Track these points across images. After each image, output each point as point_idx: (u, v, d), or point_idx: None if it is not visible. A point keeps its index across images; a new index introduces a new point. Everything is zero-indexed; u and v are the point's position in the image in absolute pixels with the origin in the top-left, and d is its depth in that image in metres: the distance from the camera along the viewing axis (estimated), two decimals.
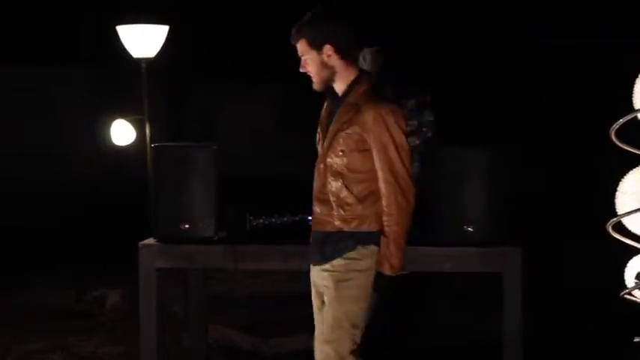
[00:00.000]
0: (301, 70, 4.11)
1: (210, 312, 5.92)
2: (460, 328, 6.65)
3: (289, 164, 14.73)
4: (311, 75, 4.10)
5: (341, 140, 4.03)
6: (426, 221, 4.70)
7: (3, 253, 9.55)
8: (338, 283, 4.07)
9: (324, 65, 4.05)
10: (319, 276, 4.19)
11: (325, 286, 4.13)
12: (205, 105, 15.07)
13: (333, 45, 4.02)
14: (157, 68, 6.62)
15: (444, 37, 13.70)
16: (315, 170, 4.20)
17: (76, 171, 14.34)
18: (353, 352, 4.10)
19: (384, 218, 4.05)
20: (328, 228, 4.09)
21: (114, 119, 6.58)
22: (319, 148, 4.21)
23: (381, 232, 4.05)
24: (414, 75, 6.09)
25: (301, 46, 4.07)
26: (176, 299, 6.63)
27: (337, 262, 4.06)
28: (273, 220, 4.96)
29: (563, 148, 12.58)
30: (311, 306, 4.31)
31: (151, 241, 4.87)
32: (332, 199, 4.07)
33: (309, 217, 4.75)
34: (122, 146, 6.70)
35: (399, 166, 4.02)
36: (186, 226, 4.78)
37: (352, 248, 4.04)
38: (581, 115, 12.26)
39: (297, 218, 4.90)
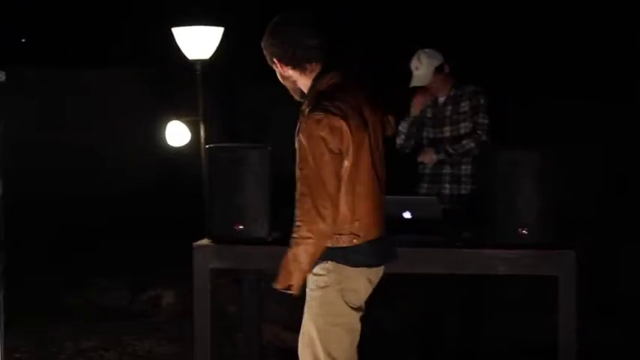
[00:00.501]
0: None
1: (263, 312, 5.93)
2: (512, 332, 6.60)
3: None
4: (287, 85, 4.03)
5: (296, 152, 3.87)
6: (480, 223, 4.67)
7: (62, 254, 9.65)
8: (307, 300, 3.95)
9: (283, 77, 3.99)
10: None
11: None
12: (259, 105, 15.11)
13: (278, 59, 3.93)
14: (211, 69, 6.65)
15: (494, 36, 13.61)
16: None
17: (132, 172, 14.47)
18: None
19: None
20: None
21: (169, 120, 6.63)
22: None
23: (343, 248, 3.81)
24: (466, 77, 6.06)
25: (266, 56, 4.00)
26: (230, 299, 6.66)
27: (309, 277, 3.90)
28: None
29: (619, 151, 12.44)
30: (365, 308, 4.25)
31: (205, 241, 4.88)
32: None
33: None
34: (177, 147, 6.74)
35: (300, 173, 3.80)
36: (240, 226, 4.78)
37: (317, 264, 3.84)
38: (638, 117, 12.13)
39: None
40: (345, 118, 3.73)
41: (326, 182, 3.70)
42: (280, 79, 4.01)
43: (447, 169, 5.95)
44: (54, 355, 6.32)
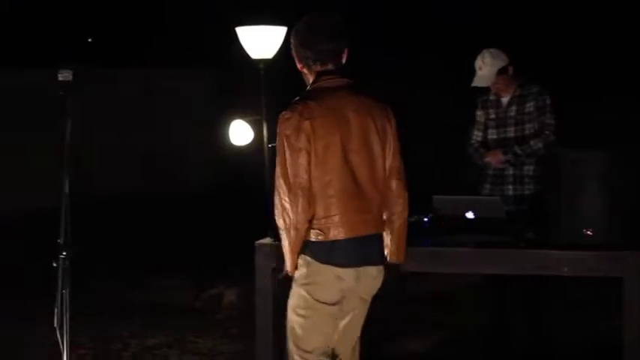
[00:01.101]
0: None
1: None
2: (577, 333, 6.53)
3: (405, 165, 14.72)
4: None
5: None
6: (543, 224, 4.63)
7: (127, 252, 9.76)
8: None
9: (302, 73, 4.26)
10: None
11: None
12: None
13: (296, 57, 4.22)
14: (274, 69, 6.66)
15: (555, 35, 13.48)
16: None
17: (195, 171, 14.59)
18: None
19: None
20: None
21: (232, 119, 6.66)
22: None
23: (315, 242, 3.93)
24: (533, 77, 6.02)
25: None
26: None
27: None
28: None
29: None
30: (428, 308, 4.27)
31: (267, 240, 4.90)
32: None
33: (426, 218, 4.73)
34: (240, 146, 6.77)
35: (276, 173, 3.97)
36: None
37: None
38: None
39: (412, 219, 4.88)
40: (311, 119, 3.91)
41: (290, 177, 3.88)
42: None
43: (509, 170, 5.92)
44: (118, 351, 6.40)
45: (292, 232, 3.91)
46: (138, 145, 14.52)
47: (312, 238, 3.93)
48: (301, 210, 3.89)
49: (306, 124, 3.90)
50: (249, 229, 5.31)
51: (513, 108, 5.96)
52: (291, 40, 4.19)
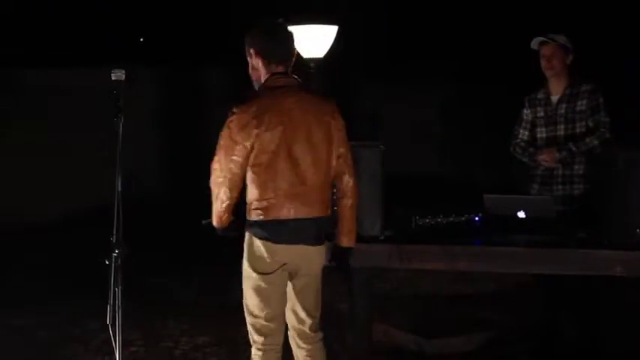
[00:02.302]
0: None
1: (374, 311, 5.93)
2: (629, 335, 6.47)
3: (454, 164, 14.66)
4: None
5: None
6: (595, 224, 4.59)
7: (178, 250, 9.82)
8: None
9: (252, 68, 4.54)
10: None
11: None
12: (372, 103, 15.12)
13: (257, 51, 4.49)
14: (325, 68, 6.68)
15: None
16: None
17: None
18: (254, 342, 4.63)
19: None
20: None
21: None
22: None
23: (255, 222, 4.38)
24: (586, 75, 5.98)
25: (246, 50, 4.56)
26: (341, 297, 6.67)
27: None
28: (439, 219, 4.93)
29: None
30: (477, 307, 4.28)
31: None
32: None
33: (476, 217, 4.71)
34: None
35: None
36: None
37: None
38: None
39: (462, 218, 4.87)
40: (259, 116, 4.30)
41: (220, 164, 4.38)
42: (250, 69, 4.51)
43: (559, 170, 5.88)
44: (169, 349, 6.44)
45: (217, 205, 4.44)
46: (187, 144, 14.60)
47: (254, 217, 4.38)
48: (223, 193, 4.39)
49: (253, 121, 4.29)
50: None
51: (563, 106, 5.92)
52: (257, 41, 4.49)
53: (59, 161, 12.22)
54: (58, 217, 11.56)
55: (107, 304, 4.05)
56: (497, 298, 7.41)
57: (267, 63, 4.45)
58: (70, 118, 12.35)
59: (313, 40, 6.43)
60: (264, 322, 4.53)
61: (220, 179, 4.38)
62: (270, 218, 4.36)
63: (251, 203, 4.40)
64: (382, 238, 4.80)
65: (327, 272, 4.83)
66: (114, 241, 4.09)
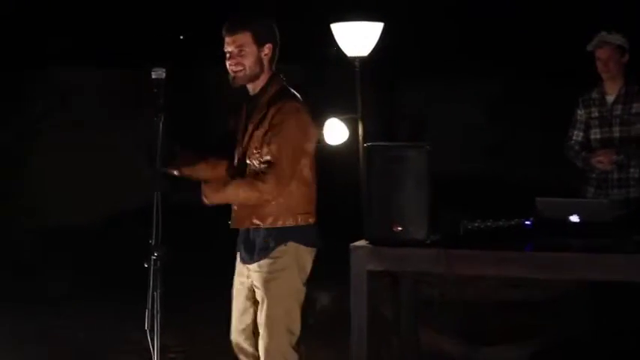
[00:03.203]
0: (231, 62, 4.29)
1: (421, 316, 5.89)
2: None
3: (504, 165, 14.55)
4: (239, 69, 4.29)
5: (255, 139, 4.30)
6: None
7: (217, 253, 9.82)
8: (266, 283, 4.39)
9: (259, 62, 4.33)
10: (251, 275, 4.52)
11: (255, 286, 4.44)
12: (417, 103, 15.06)
13: (273, 45, 4.36)
14: (370, 66, 6.64)
15: None
16: (232, 170, 4.43)
17: None
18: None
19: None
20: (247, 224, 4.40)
21: (327, 118, 6.65)
22: (237, 150, 4.44)
23: (301, 227, 4.39)
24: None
25: (243, 39, 4.29)
26: (386, 302, 6.63)
27: (264, 262, 4.39)
28: (488, 223, 4.87)
29: None
30: (526, 315, 4.22)
31: (362, 242, 4.87)
32: None
33: (528, 221, 4.65)
34: (335, 146, 6.76)
35: (277, 156, 4.24)
36: (399, 228, 4.74)
37: (274, 247, 4.35)
38: None
39: (513, 222, 4.80)
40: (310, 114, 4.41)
41: (288, 162, 4.36)
42: (244, 59, 4.30)
43: (614, 174, 5.82)
44: (209, 355, 6.43)
45: (251, 195, 4.29)
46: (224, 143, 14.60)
47: (301, 222, 4.48)
48: (273, 193, 4.33)
49: (312, 120, 4.47)
50: (343, 231, 5.29)
51: (619, 107, 5.86)
52: (274, 36, 4.40)
53: (100, 161, 12.29)
54: (100, 218, 11.62)
55: (146, 308, 4.04)
56: (547, 305, 7.34)
57: (273, 61, 4.41)
58: (107, 117, 12.43)
59: (358, 37, 6.39)
60: (298, 339, 4.48)
61: (285, 180, 4.29)
62: (315, 221, 4.42)
63: (298, 206, 4.38)
64: (428, 242, 4.75)
65: (372, 277, 4.80)
66: (153, 243, 4.08)
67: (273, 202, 4.31)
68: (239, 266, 4.62)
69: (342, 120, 6.58)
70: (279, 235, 4.37)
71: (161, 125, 4.09)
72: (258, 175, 4.26)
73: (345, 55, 6.66)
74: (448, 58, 14.61)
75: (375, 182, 4.83)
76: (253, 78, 4.35)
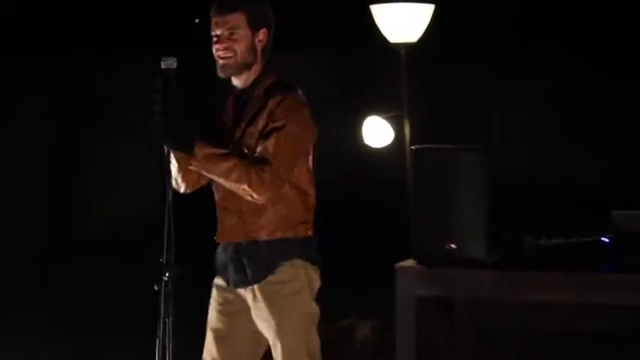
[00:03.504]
0: (220, 46, 4.24)
1: (479, 347, 5.89)
2: None
3: (576, 174, 14.50)
4: (229, 55, 4.25)
5: (247, 137, 4.28)
6: None
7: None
8: (279, 311, 4.37)
9: (252, 48, 4.29)
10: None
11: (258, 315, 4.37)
12: (474, 99, 15.03)
13: (268, 30, 4.36)
14: (418, 55, 6.64)
15: None
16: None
17: (320, 178, 14.64)
18: None
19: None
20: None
21: (366, 116, 6.66)
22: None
23: (306, 241, 4.41)
24: None
25: (236, 20, 4.25)
26: (438, 333, 6.64)
27: (268, 283, 4.32)
28: (558, 240, 4.88)
29: None
30: (606, 348, 4.21)
31: (410, 263, 4.89)
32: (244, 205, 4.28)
33: (605, 238, 4.65)
34: (376, 148, 6.77)
35: (274, 154, 4.20)
36: (453, 246, 4.76)
37: (277, 263, 4.31)
38: None
39: (588, 239, 4.80)
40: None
41: (287, 165, 4.36)
42: (236, 43, 4.27)
43: None
44: None
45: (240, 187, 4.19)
46: None
47: (301, 234, 4.46)
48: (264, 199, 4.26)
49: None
50: (386, 249, 5.30)
51: None
52: (271, 20, 4.41)
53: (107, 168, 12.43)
54: (105, 232, 11.72)
55: (156, 337, 4.06)
56: (633, 336, 7.31)
57: (267, 49, 4.40)
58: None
59: (404, 21, 6.39)
60: None
61: (279, 181, 4.26)
62: (313, 234, 4.47)
63: (297, 214, 4.39)
64: (488, 262, 4.76)
65: (421, 304, 4.81)
66: (163, 262, 4.07)
67: (269, 210, 4.28)
68: (223, 293, 4.46)
69: (385, 118, 6.60)
70: (281, 249, 4.34)
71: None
72: (259, 162, 4.21)
73: (387, 42, 6.66)
74: (508, 46, 14.58)
75: (425, 191, 4.85)
76: (244, 67, 4.31)
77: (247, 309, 4.39)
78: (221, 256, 4.42)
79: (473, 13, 14.06)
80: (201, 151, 4.14)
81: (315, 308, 4.47)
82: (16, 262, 10.43)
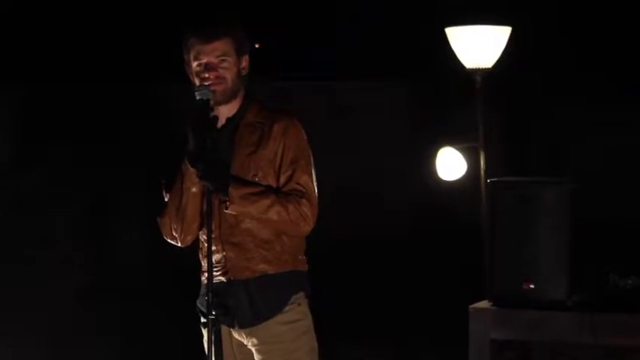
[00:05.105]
0: (211, 75, 4.19)
1: None
2: None
3: None
4: (220, 84, 4.21)
5: (252, 165, 4.23)
6: None
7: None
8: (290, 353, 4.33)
9: (239, 75, 4.28)
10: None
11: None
12: (556, 130, 14.96)
13: (249, 56, 4.33)
14: (494, 82, 6.63)
15: None
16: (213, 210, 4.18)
17: (388, 212, 14.63)
18: None
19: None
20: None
21: (439, 147, 6.65)
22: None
23: (304, 273, 4.34)
24: None
25: (225, 47, 4.23)
26: None
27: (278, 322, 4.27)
28: None
29: None
30: None
31: (484, 304, 4.88)
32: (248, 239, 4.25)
33: None
34: (449, 181, 6.76)
35: (310, 186, 4.30)
36: (531, 285, 4.75)
37: (287, 299, 4.27)
38: None
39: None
40: None
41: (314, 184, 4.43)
42: (227, 71, 4.24)
43: None
44: None
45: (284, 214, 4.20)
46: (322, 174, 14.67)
47: (302, 267, 4.40)
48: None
49: None
50: (459, 289, 5.29)
51: None
52: (250, 48, 4.42)
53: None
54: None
55: None
56: None
57: (246, 75, 4.39)
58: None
59: (480, 45, 6.37)
60: None
61: (316, 211, 4.30)
62: None
63: (299, 246, 4.38)
64: (570, 304, 4.73)
65: (496, 348, 4.78)
66: (210, 299, 4.05)
67: (274, 243, 4.28)
68: (232, 336, 4.36)
69: (458, 149, 6.58)
70: (290, 284, 4.32)
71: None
72: (294, 197, 4.24)
73: (461, 67, 6.65)
74: (591, 71, 14.52)
75: (502, 227, 4.85)
76: (232, 96, 4.30)
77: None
78: (218, 297, 4.20)
79: (553, 34, 14.04)
80: (237, 191, 4.15)
81: (314, 340, 4.38)
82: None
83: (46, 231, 9.98)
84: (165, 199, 4.27)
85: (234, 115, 4.31)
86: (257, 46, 17.43)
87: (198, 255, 4.34)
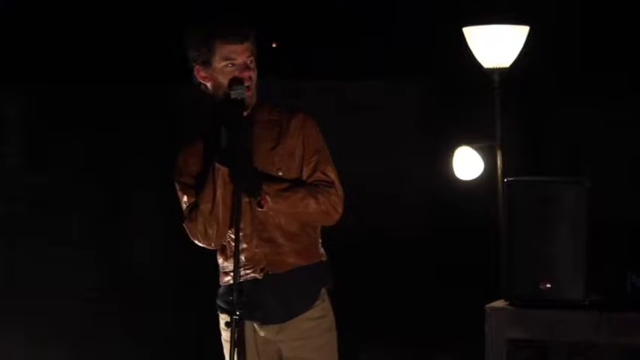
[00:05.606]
0: (245, 75, 4.29)
1: None
2: None
3: None
4: (252, 85, 4.32)
5: (275, 159, 4.34)
6: None
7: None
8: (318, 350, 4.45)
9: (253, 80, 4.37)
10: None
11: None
12: (574, 129, 14.91)
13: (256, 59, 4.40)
14: (512, 81, 6.64)
15: None
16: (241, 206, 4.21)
17: (404, 212, 14.60)
18: None
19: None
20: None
21: (456, 147, 6.67)
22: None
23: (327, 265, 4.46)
24: None
25: (252, 47, 4.35)
26: None
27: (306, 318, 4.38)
28: None
29: None
30: None
31: (501, 303, 4.89)
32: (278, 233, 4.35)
33: None
34: (466, 180, 6.77)
35: (330, 172, 4.44)
36: (548, 285, 4.76)
37: (316, 292, 4.40)
38: None
39: None
40: None
41: None
42: (253, 72, 4.34)
43: None
44: None
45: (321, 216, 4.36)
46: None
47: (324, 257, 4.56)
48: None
49: None
50: (476, 288, 5.31)
51: None
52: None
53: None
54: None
55: None
56: None
57: None
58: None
59: (498, 44, 6.40)
60: None
61: (343, 199, 4.46)
62: None
63: (319, 237, 4.52)
64: (587, 303, 4.75)
65: (513, 348, 4.80)
66: (234, 298, 4.06)
67: (302, 235, 4.39)
68: (258, 334, 4.42)
69: (475, 149, 6.61)
70: (318, 276, 4.44)
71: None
72: (321, 187, 4.37)
73: (479, 66, 6.68)
74: (610, 70, 14.47)
75: (519, 227, 4.85)
76: (252, 97, 4.39)
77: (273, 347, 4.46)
78: (250, 293, 4.24)
79: (571, 32, 13.99)
80: (269, 189, 4.24)
81: (336, 336, 4.50)
82: None
83: (62, 230, 10.03)
84: (186, 202, 4.31)
85: (249, 114, 4.35)
86: (274, 45, 17.49)
87: (215, 256, 4.39)
